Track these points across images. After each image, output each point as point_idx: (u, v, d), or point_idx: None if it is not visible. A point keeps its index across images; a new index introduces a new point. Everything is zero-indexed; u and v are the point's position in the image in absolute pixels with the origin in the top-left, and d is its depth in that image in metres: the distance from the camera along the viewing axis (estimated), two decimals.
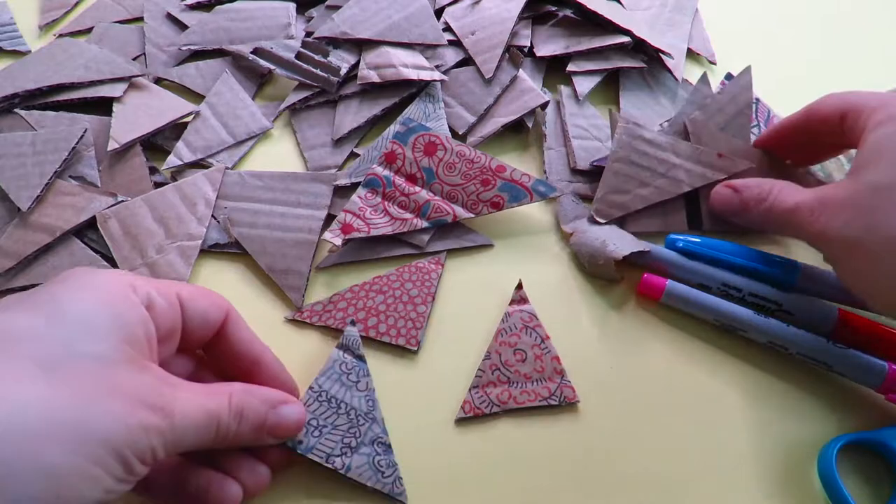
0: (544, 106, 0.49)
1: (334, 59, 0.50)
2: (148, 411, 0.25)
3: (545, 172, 0.46)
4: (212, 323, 0.32)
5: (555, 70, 0.52)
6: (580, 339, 0.39)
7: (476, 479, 0.34)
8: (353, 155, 0.47)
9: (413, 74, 0.48)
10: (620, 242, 0.40)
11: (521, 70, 0.50)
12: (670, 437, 0.36)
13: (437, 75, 0.48)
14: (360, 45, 0.51)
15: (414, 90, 0.49)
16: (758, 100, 0.50)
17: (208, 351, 0.34)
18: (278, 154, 0.48)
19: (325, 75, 0.49)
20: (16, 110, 0.48)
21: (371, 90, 0.49)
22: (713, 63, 0.55)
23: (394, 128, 0.47)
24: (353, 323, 0.39)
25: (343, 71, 0.49)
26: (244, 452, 0.32)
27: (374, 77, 0.48)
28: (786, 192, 0.37)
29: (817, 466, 0.35)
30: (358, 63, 0.50)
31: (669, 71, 0.52)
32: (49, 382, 0.23)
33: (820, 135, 0.40)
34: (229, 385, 0.30)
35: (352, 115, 0.48)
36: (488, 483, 0.34)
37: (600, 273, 0.41)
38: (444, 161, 0.43)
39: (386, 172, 0.43)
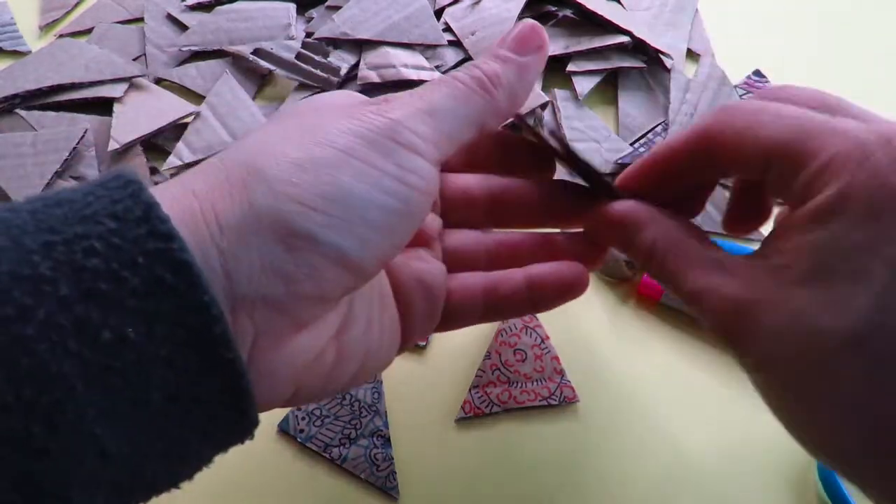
0: (544, 106, 0.49)
1: (334, 60, 0.50)
2: (376, 104, 0.23)
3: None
4: None
5: (555, 70, 0.52)
6: (581, 339, 0.39)
7: (475, 477, 0.34)
8: None
9: (413, 75, 0.48)
10: None
11: None
12: (670, 436, 0.36)
13: (436, 76, 0.48)
14: (360, 46, 0.51)
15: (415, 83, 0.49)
16: None
17: None
18: None
19: (325, 76, 0.49)
20: (16, 110, 0.48)
21: (371, 90, 0.49)
22: None
23: None
24: None
25: (343, 71, 0.49)
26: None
27: (374, 77, 0.48)
28: (680, 259, 0.25)
29: (817, 466, 0.35)
30: (358, 63, 0.50)
31: (669, 71, 0.52)
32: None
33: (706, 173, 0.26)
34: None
35: None
36: (487, 482, 0.34)
37: (613, 273, 0.41)
38: None
39: None
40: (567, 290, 0.28)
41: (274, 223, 0.20)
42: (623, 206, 0.26)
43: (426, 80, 0.47)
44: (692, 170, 0.26)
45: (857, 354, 0.19)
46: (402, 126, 0.22)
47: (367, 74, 0.49)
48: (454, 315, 0.28)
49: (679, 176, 0.26)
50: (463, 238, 0.30)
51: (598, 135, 0.48)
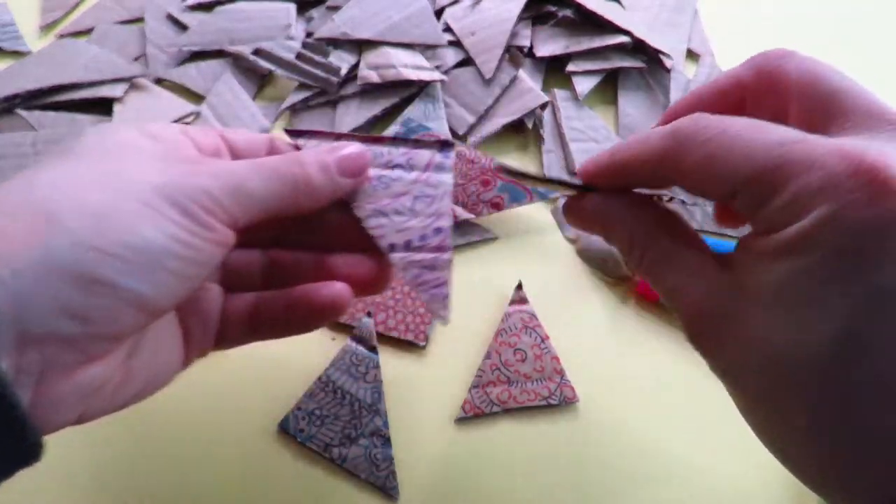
0: (544, 106, 0.49)
1: (334, 60, 0.50)
2: (189, 163, 0.24)
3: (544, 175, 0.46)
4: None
5: (555, 70, 0.52)
6: (580, 339, 0.39)
7: (475, 477, 0.34)
8: None
9: (413, 75, 0.48)
10: None
11: (521, 70, 0.50)
12: (669, 436, 0.36)
13: (437, 75, 0.48)
14: (360, 46, 0.51)
15: (414, 90, 0.49)
16: None
17: None
18: None
19: (326, 76, 0.49)
20: (17, 110, 0.48)
21: (371, 90, 0.49)
22: None
23: (394, 128, 0.47)
24: (369, 314, 0.39)
25: (343, 71, 0.49)
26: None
27: (374, 77, 0.48)
28: (659, 260, 0.24)
29: None
30: (358, 63, 0.50)
31: (668, 71, 0.52)
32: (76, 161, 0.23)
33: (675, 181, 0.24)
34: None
35: (352, 115, 0.48)
36: (487, 481, 0.34)
37: (612, 273, 0.41)
38: None
39: None
40: (322, 312, 0.29)
41: (72, 269, 0.20)
42: (597, 201, 0.26)
43: (426, 80, 0.48)
44: (652, 181, 0.24)
45: (821, 382, 0.20)
46: (207, 194, 0.23)
47: (368, 74, 0.49)
48: (225, 335, 0.30)
49: (638, 183, 0.25)
50: (241, 257, 0.31)
51: (598, 135, 0.48)
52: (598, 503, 0.34)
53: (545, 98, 0.48)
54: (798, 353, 0.20)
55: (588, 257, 0.42)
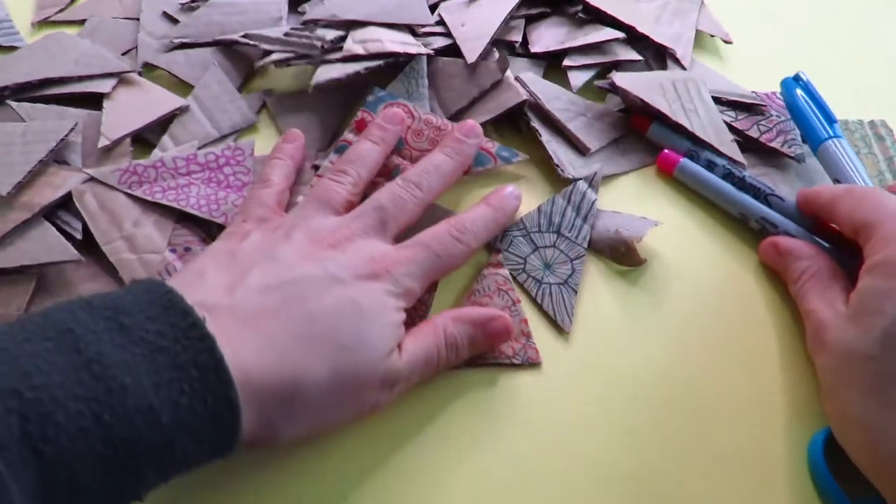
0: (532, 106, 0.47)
1: (320, 32, 0.49)
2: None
3: (557, 166, 0.43)
4: None
5: (555, 69, 0.51)
6: (586, 331, 0.38)
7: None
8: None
9: (399, 47, 0.47)
10: (632, 225, 0.39)
11: (508, 71, 0.48)
12: (666, 432, 0.35)
13: (422, 49, 0.47)
14: (348, 26, 0.50)
15: (400, 60, 0.47)
16: None
17: None
18: (264, 145, 0.46)
19: (309, 41, 0.48)
20: (7, 102, 0.48)
21: (355, 61, 0.47)
22: (728, 42, 0.54)
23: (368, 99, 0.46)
24: None
25: (329, 38, 0.48)
26: None
27: (358, 49, 0.47)
28: (811, 289, 0.36)
29: (807, 457, 0.34)
30: (344, 38, 0.49)
31: (677, 61, 0.50)
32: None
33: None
34: (440, 319, 0.34)
35: (335, 72, 0.46)
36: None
37: (624, 261, 0.40)
38: (411, 128, 0.43)
39: (356, 139, 0.43)
40: None
41: None
42: (790, 241, 0.38)
43: (411, 53, 0.46)
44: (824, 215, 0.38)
45: (870, 366, 0.30)
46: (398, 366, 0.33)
47: (353, 47, 0.47)
48: None
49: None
50: None
51: (578, 106, 0.47)
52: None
53: (524, 96, 0.46)
54: (858, 349, 0.30)
55: (597, 244, 0.40)
